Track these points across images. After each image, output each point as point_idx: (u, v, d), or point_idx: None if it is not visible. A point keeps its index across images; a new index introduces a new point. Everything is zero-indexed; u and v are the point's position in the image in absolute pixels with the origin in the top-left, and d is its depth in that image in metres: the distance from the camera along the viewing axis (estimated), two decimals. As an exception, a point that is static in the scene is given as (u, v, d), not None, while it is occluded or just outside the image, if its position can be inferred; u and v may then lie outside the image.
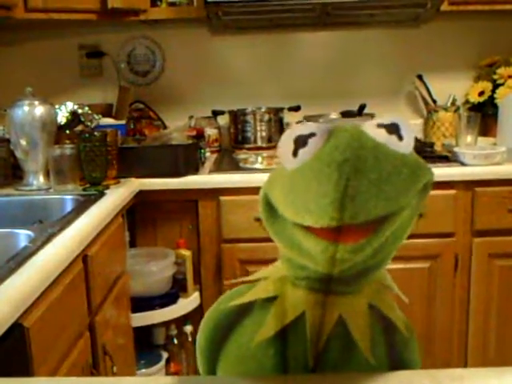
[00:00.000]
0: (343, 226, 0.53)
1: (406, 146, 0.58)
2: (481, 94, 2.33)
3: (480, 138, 2.11)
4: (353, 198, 0.52)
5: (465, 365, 1.98)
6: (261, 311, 0.65)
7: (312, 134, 0.57)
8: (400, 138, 0.57)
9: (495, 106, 2.20)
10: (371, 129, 0.57)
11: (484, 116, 2.21)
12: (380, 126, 0.58)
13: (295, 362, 0.63)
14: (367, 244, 0.56)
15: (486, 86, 2.32)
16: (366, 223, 0.54)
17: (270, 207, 0.61)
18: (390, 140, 0.57)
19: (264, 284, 0.68)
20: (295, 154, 0.57)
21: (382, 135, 0.57)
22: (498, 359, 1.98)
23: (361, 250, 0.56)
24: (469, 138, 2.05)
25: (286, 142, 0.58)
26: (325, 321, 0.62)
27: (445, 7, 2.10)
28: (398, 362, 0.65)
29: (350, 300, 0.63)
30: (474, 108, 2.33)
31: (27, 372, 0.97)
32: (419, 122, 2.46)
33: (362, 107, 2.23)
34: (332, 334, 0.62)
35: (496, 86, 2.30)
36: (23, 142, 1.76)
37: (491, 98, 2.29)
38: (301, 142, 0.57)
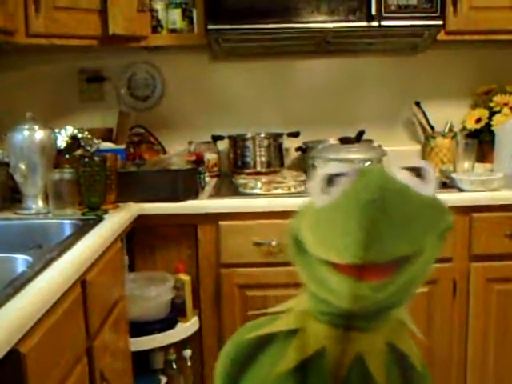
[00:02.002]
0: (367, 264, 0.55)
1: (429, 189, 0.60)
2: (478, 121, 2.36)
3: (477, 164, 2.13)
4: (378, 237, 0.54)
5: (464, 391, 1.97)
6: (282, 343, 0.65)
7: (343, 174, 0.59)
8: (424, 181, 0.60)
9: (492, 133, 2.22)
10: (397, 171, 0.59)
11: (481, 143, 2.23)
12: (405, 168, 0.60)
13: None
14: (389, 283, 0.57)
15: (483, 113, 2.35)
16: (389, 263, 0.56)
17: (297, 242, 0.63)
18: (414, 182, 0.59)
19: (285, 317, 0.68)
20: (325, 191, 0.59)
21: (407, 178, 0.59)
22: (497, 383, 1.97)
23: (383, 288, 0.57)
24: (466, 164, 2.06)
25: (318, 179, 0.60)
26: (344, 357, 0.63)
27: (441, 37, 2.13)
28: None
29: (369, 337, 0.64)
30: (471, 135, 2.35)
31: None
32: (417, 148, 2.48)
33: (361, 133, 2.25)
34: (351, 369, 0.63)
35: (492, 114, 2.33)
36: (22, 166, 1.77)
37: (488, 125, 2.32)
38: (332, 180, 0.59)
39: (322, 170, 0.61)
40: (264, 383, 0.65)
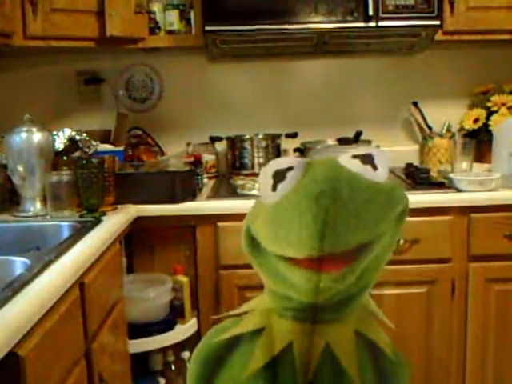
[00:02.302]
0: (325, 256, 0.54)
1: (380, 175, 0.59)
2: (475, 121, 2.36)
3: (475, 165, 2.13)
4: (332, 228, 0.53)
5: (463, 392, 1.97)
6: (249, 344, 0.65)
7: (290, 168, 0.58)
8: (375, 167, 0.59)
9: (490, 133, 2.22)
10: (347, 160, 0.59)
11: (479, 143, 2.23)
12: (355, 156, 0.59)
13: None
14: (349, 272, 0.57)
15: (481, 113, 2.35)
16: (347, 252, 0.56)
17: (252, 241, 0.63)
18: (365, 170, 0.58)
19: (250, 317, 0.68)
20: (274, 188, 0.58)
21: (357, 166, 0.58)
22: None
23: (343, 278, 0.57)
24: (464, 165, 2.07)
25: (265, 176, 0.59)
26: (312, 350, 0.63)
27: (439, 37, 2.13)
28: None
29: (335, 328, 0.64)
30: (469, 135, 2.35)
31: (22, 402, 0.96)
32: (415, 148, 2.48)
33: (359, 134, 2.25)
34: (320, 362, 0.62)
35: (490, 114, 2.33)
36: (20, 168, 1.77)
37: (486, 125, 2.32)
38: (279, 176, 0.59)
39: (269, 165, 0.61)
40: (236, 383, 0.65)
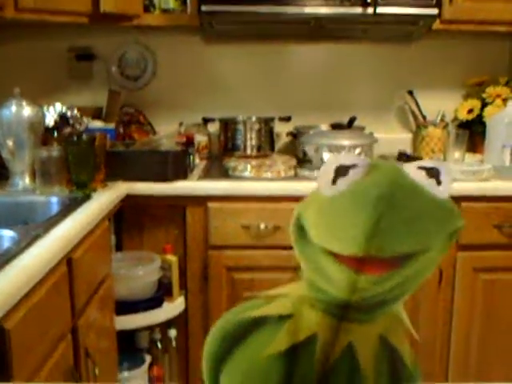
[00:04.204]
0: (369, 258, 0.55)
1: (443, 191, 0.59)
2: (470, 111, 2.36)
3: (467, 155, 2.14)
4: (383, 232, 0.53)
5: (446, 378, 1.99)
6: (274, 326, 0.65)
7: (354, 166, 0.58)
8: (439, 182, 0.59)
9: (483, 124, 2.22)
10: (412, 170, 0.59)
11: (472, 133, 2.23)
12: (421, 168, 0.59)
13: (301, 380, 0.63)
14: (389, 278, 0.57)
15: (475, 104, 2.35)
16: (392, 258, 0.56)
17: (301, 228, 0.62)
18: (428, 183, 0.59)
19: (282, 301, 0.68)
20: (334, 181, 0.58)
21: (421, 177, 0.59)
22: (479, 373, 1.99)
23: (382, 282, 0.57)
24: (456, 155, 2.07)
25: (328, 168, 0.59)
26: (335, 345, 0.63)
27: (437, 26, 2.13)
28: None
29: (362, 328, 0.64)
30: (463, 125, 2.35)
31: (6, 375, 0.96)
32: (408, 136, 2.48)
33: (352, 120, 2.25)
34: (340, 358, 0.63)
35: (485, 105, 2.33)
36: (10, 143, 1.75)
37: (479, 117, 2.32)
38: (342, 171, 0.59)
39: (333, 158, 0.60)
40: (252, 364, 0.65)
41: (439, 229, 0.59)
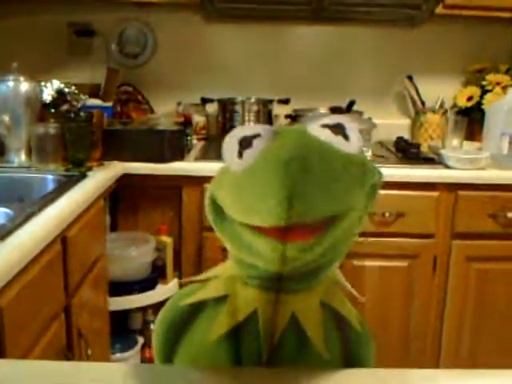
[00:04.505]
0: (292, 225, 0.53)
1: (352, 146, 0.57)
2: (469, 99, 2.35)
3: (465, 142, 2.13)
4: (301, 196, 0.52)
5: (437, 365, 2.00)
6: (213, 310, 0.65)
7: (257, 135, 0.57)
8: (346, 138, 0.57)
9: (482, 112, 2.21)
10: (316, 129, 0.57)
11: (471, 121, 2.23)
12: (325, 126, 0.57)
13: (249, 358, 0.63)
14: (317, 243, 0.56)
15: (475, 91, 2.34)
16: (315, 222, 0.54)
17: (217, 207, 0.61)
18: (335, 140, 0.57)
19: (215, 283, 0.67)
20: (240, 155, 0.56)
21: (327, 135, 0.57)
22: (470, 360, 2.01)
23: (310, 249, 0.56)
24: (455, 142, 2.06)
25: (231, 143, 0.58)
26: (278, 318, 0.62)
27: (439, 10, 2.10)
28: (351, 358, 0.66)
29: (301, 297, 0.63)
30: (462, 112, 2.34)
31: (0, 352, 0.96)
32: (407, 122, 2.47)
33: (351, 104, 2.23)
34: (285, 330, 0.62)
35: (484, 92, 2.31)
36: (6, 118, 1.73)
37: (479, 104, 2.31)
38: (246, 143, 0.57)
39: (234, 131, 0.59)
40: (199, 349, 0.65)
41: (356, 185, 0.57)
